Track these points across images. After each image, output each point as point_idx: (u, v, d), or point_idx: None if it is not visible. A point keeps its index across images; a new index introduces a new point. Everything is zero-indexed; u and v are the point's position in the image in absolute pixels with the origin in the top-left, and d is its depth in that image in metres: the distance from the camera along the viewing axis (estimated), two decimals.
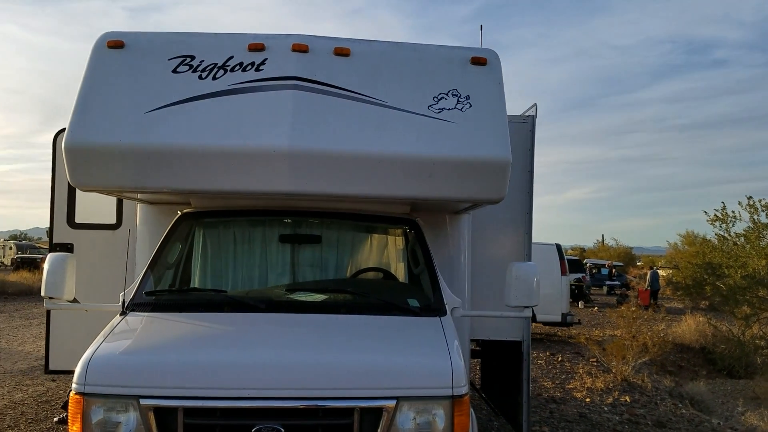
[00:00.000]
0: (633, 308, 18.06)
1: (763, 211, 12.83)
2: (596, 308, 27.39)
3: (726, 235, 13.70)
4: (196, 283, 4.74)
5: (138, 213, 5.52)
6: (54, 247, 5.91)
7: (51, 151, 6.02)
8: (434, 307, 4.33)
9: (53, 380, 9.58)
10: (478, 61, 4.58)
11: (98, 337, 3.77)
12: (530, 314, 4.62)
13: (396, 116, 4.31)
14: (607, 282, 37.23)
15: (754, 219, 13.05)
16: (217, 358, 3.48)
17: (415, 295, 4.55)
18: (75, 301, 4.36)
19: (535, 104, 6.26)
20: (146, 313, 4.11)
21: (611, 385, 10.77)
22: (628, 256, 59.14)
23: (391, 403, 3.40)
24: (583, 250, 66.69)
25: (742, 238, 13.34)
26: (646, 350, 12.29)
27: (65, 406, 7.09)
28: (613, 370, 11.58)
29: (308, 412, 3.37)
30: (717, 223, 13.71)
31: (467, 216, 5.65)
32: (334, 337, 3.87)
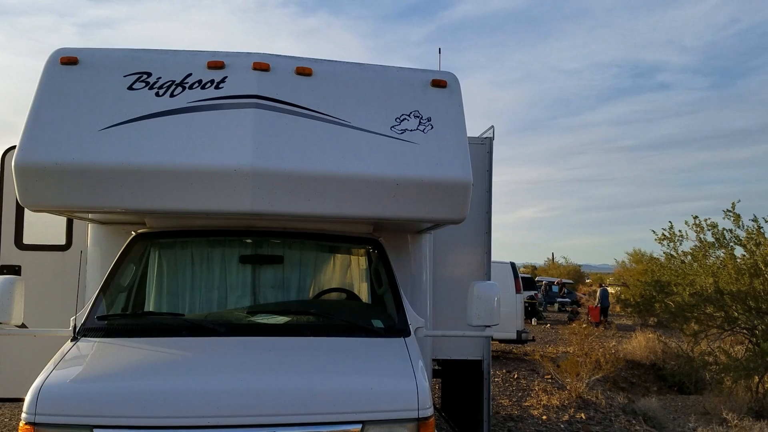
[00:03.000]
0: (584, 325, 18.39)
1: (709, 230, 13.22)
2: (549, 325, 27.76)
3: (674, 253, 14.08)
4: (151, 306, 4.58)
5: (89, 233, 5.34)
6: (1, 270, 5.67)
7: None
8: (398, 328, 4.30)
9: None
10: (439, 84, 4.63)
11: (48, 363, 3.61)
12: (492, 333, 4.64)
13: (359, 136, 4.30)
14: (558, 299, 37.83)
15: (700, 238, 13.44)
16: (174, 385, 3.37)
17: (378, 315, 4.52)
18: (23, 325, 4.17)
19: (492, 126, 6.35)
20: (99, 339, 3.96)
21: (566, 402, 10.88)
22: (577, 274, 60.21)
23: (357, 428, 3.36)
24: (534, 267, 67.67)
25: (689, 257, 13.72)
26: (600, 367, 12.48)
27: None
28: (568, 387, 11.71)
29: None
30: (665, 242, 14.08)
31: (428, 235, 5.66)
32: (297, 360, 3.79)
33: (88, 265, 5.29)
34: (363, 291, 4.96)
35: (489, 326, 4.49)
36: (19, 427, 3.27)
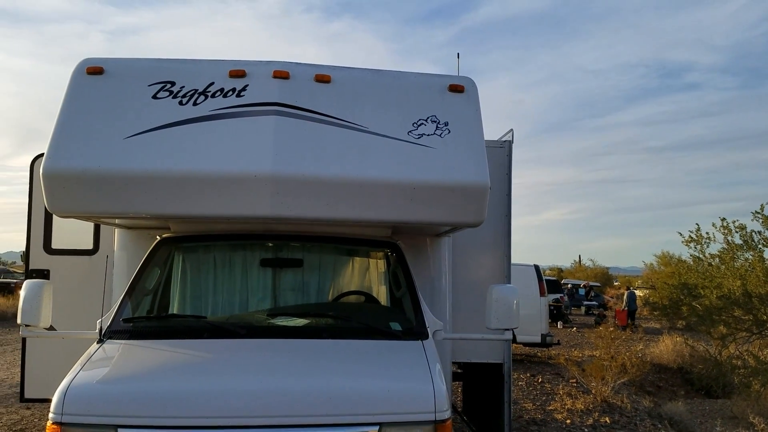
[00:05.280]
0: (611, 329, 18.23)
1: (736, 232, 13.02)
2: (575, 328, 27.53)
3: (701, 256, 13.87)
4: (175, 309, 4.69)
5: (115, 238, 5.47)
6: (30, 274, 5.82)
7: (27, 175, 5.95)
8: (416, 331, 4.34)
9: (28, 408, 9.37)
10: (456, 89, 4.67)
11: (75, 365, 3.72)
12: (511, 336, 4.65)
13: (377, 141, 4.37)
14: (585, 302, 37.47)
15: (728, 240, 13.24)
16: (197, 386, 3.45)
17: (397, 318, 4.56)
18: (51, 328, 4.29)
19: (512, 130, 6.36)
20: (124, 341, 4.07)
21: (591, 406, 10.79)
22: (604, 277, 59.56)
23: (374, 429, 3.40)
24: (560, 270, 67.05)
25: (717, 259, 13.52)
26: (625, 371, 12.36)
27: None
28: (593, 391, 11.62)
29: None
30: (692, 244, 13.88)
31: (447, 239, 5.68)
32: (316, 362, 3.85)
33: (115, 269, 5.41)
34: (381, 294, 5.01)
35: (508, 329, 4.51)
36: (47, 427, 3.38)
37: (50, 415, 3.35)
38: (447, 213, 4.37)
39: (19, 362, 14.29)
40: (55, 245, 5.92)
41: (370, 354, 4.05)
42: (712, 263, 13.69)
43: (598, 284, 45.48)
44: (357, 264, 5.14)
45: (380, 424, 3.41)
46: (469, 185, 4.32)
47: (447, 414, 3.55)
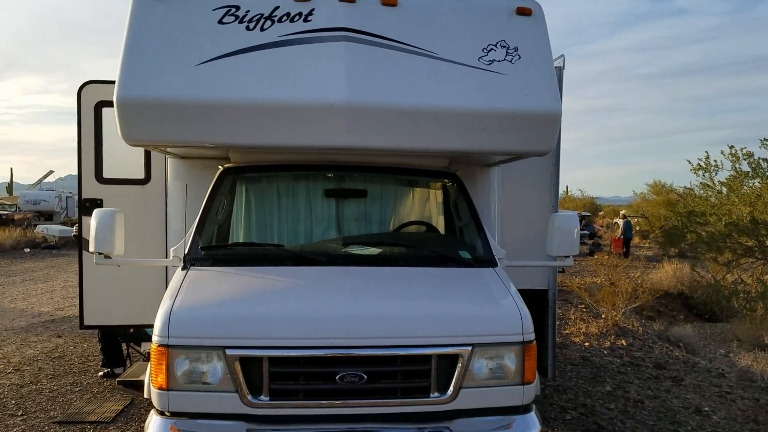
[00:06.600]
0: (606, 257, 18.63)
1: (744, 159, 13.16)
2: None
3: (709, 183, 14.05)
4: (242, 237, 4.72)
5: (169, 168, 5.43)
6: (84, 203, 5.79)
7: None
8: (485, 258, 4.43)
9: (59, 336, 9.52)
10: (523, 12, 4.57)
11: (168, 290, 3.80)
12: (572, 263, 4.77)
13: (448, 68, 4.30)
14: None
15: (735, 168, 13.39)
16: (299, 309, 3.55)
17: (464, 246, 4.65)
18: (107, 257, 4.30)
19: (563, 55, 6.25)
20: (208, 268, 4.12)
21: (604, 330, 11.16)
22: (592, 207, 60.35)
23: (467, 350, 3.54)
24: None
25: (725, 188, 13.71)
26: (636, 297, 12.72)
27: (105, 364, 7.15)
28: (603, 316, 11.98)
29: (388, 360, 3.49)
30: (700, 172, 14.03)
31: (498, 168, 5.70)
32: (403, 287, 3.96)
33: (168, 199, 5.41)
34: (443, 223, 5.05)
35: (569, 256, 4.62)
36: (152, 349, 3.46)
37: (155, 338, 3.43)
38: (518, 141, 4.36)
39: (34, 292, 14.46)
40: (106, 174, 5.86)
41: (450, 280, 4.14)
42: (722, 191, 13.89)
43: (589, 214, 46.11)
44: (418, 194, 5.17)
45: (473, 345, 3.55)
46: (543, 112, 4.30)
47: (532, 336, 3.69)
